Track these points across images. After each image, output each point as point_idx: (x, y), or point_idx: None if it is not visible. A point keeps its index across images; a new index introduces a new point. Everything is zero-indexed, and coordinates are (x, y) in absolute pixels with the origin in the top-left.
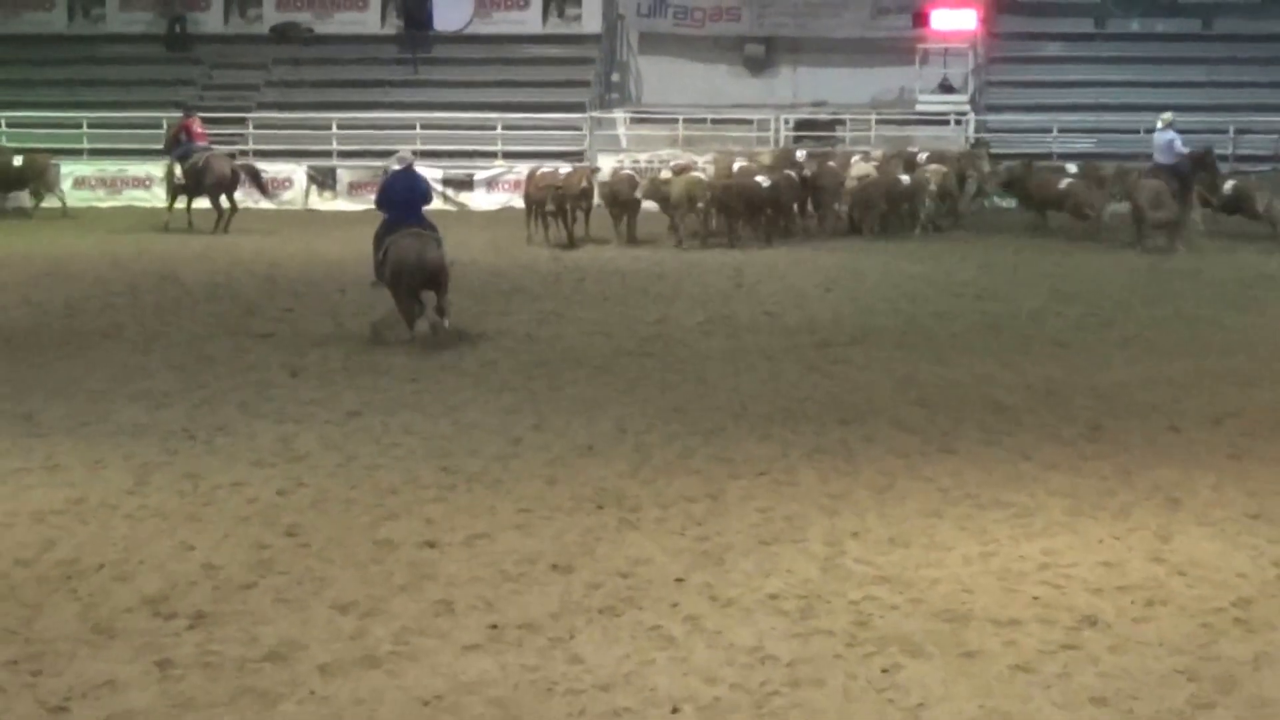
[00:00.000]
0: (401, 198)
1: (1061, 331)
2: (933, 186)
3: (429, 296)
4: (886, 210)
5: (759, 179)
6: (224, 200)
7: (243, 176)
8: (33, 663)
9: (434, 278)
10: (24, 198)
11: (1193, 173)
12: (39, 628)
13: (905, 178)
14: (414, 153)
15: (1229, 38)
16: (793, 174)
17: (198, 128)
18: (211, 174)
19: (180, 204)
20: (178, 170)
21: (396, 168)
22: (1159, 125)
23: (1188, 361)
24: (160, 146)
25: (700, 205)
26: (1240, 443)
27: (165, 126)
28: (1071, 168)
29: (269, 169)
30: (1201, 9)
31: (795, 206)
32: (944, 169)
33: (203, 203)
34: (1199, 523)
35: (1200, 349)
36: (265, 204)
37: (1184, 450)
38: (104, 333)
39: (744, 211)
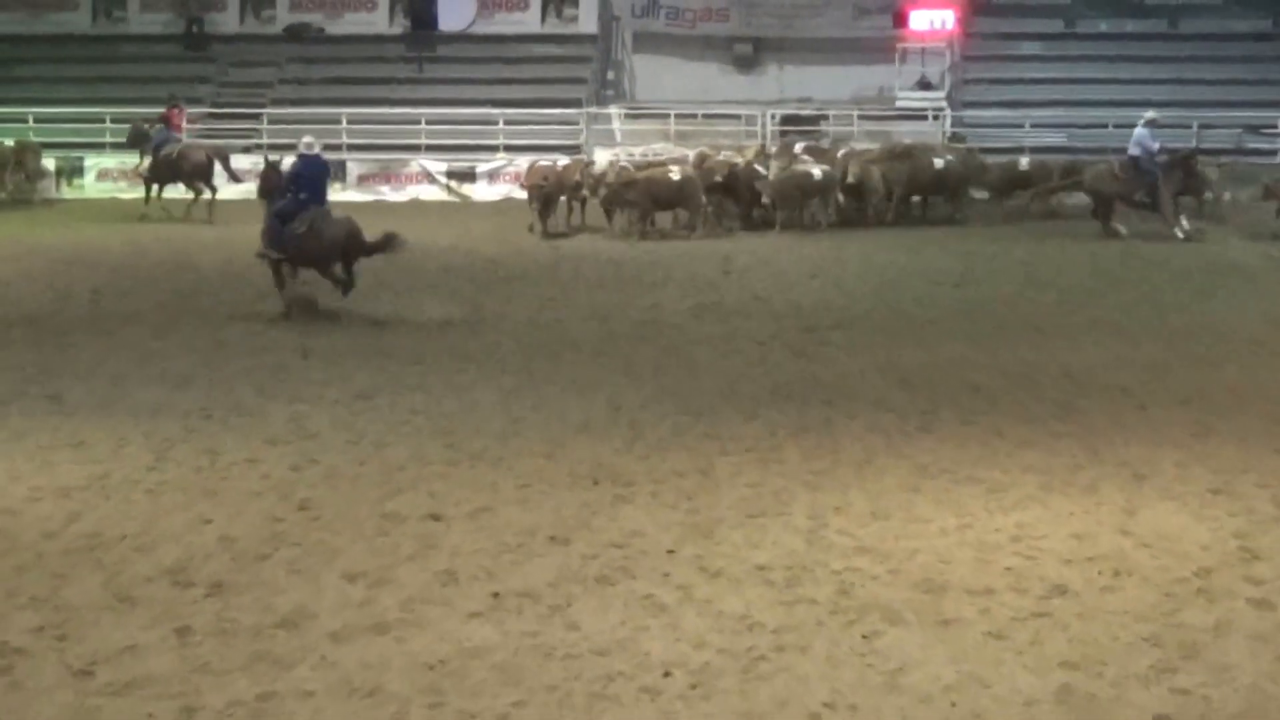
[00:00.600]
0: (312, 181)
1: (1035, 317)
2: (851, 180)
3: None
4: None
5: (671, 173)
6: (203, 188)
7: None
8: (59, 629)
9: (360, 248)
10: (51, 188)
11: (1170, 172)
12: (65, 596)
13: (818, 171)
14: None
15: (1193, 37)
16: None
17: (177, 119)
18: (189, 162)
19: (164, 196)
20: (145, 162)
21: (305, 152)
22: (1141, 122)
23: (1155, 345)
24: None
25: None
26: (1204, 422)
27: (133, 122)
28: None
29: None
30: (1167, 10)
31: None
32: (856, 164)
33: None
34: (1164, 497)
35: (1167, 333)
36: None
37: (1150, 429)
38: (125, 317)
39: (653, 205)
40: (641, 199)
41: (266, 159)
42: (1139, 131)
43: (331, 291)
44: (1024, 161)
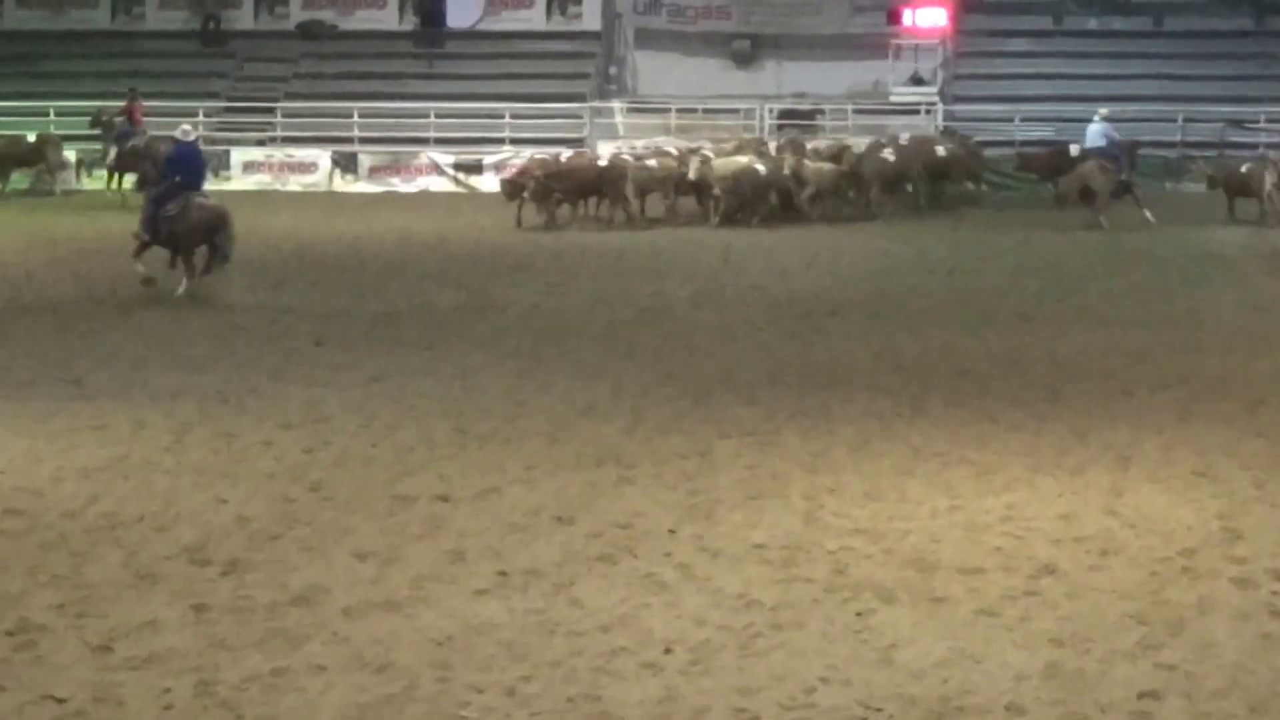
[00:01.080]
0: (190, 167)
1: (1024, 304)
2: (787, 172)
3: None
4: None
5: (597, 162)
6: None
7: None
8: (79, 606)
9: (228, 230)
10: (71, 180)
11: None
12: (85, 574)
13: (761, 166)
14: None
15: (1178, 34)
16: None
17: (137, 112)
18: (155, 155)
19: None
20: (112, 152)
21: (181, 140)
22: (1095, 118)
23: (1140, 332)
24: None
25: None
26: (1188, 406)
27: (98, 111)
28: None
29: (296, 154)
30: (1153, 8)
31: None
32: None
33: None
34: (1149, 479)
35: (1151, 321)
36: (293, 186)
37: (1135, 413)
38: (145, 304)
39: (579, 194)
40: (568, 189)
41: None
42: (1100, 127)
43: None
44: (1074, 149)
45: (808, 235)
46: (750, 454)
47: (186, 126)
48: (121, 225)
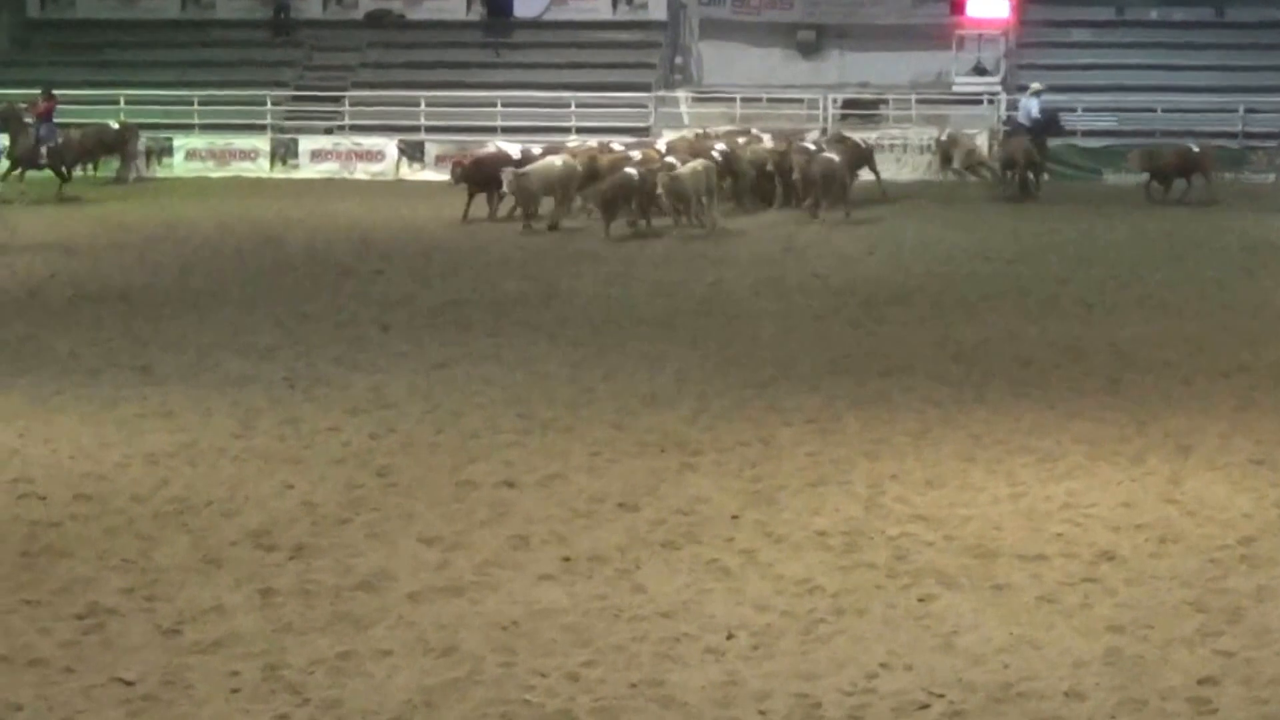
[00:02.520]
0: None
1: (1084, 293)
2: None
3: None
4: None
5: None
6: (68, 175)
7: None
8: (148, 590)
9: None
10: (141, 168)
11: (1045, 131)
12: (154, 558)
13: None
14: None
15: (1240, 25)
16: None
17: (48, 109)
18: (72, 151)
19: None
20: (18, 145)
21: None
22: (1028, 93)
23: (1199, 321)
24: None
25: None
26: (1247, 395)
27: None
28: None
29: (364, 143)
30: None
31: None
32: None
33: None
34: (1208, 467)
35: (1211, 309)
36: (360, 175)
37: (1195, 401)
38: (213, 292)
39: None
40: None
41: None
42: (1030, 103)
43: None
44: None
45: (869, 224)
46: (812, 441)
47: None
48: (192, 213)
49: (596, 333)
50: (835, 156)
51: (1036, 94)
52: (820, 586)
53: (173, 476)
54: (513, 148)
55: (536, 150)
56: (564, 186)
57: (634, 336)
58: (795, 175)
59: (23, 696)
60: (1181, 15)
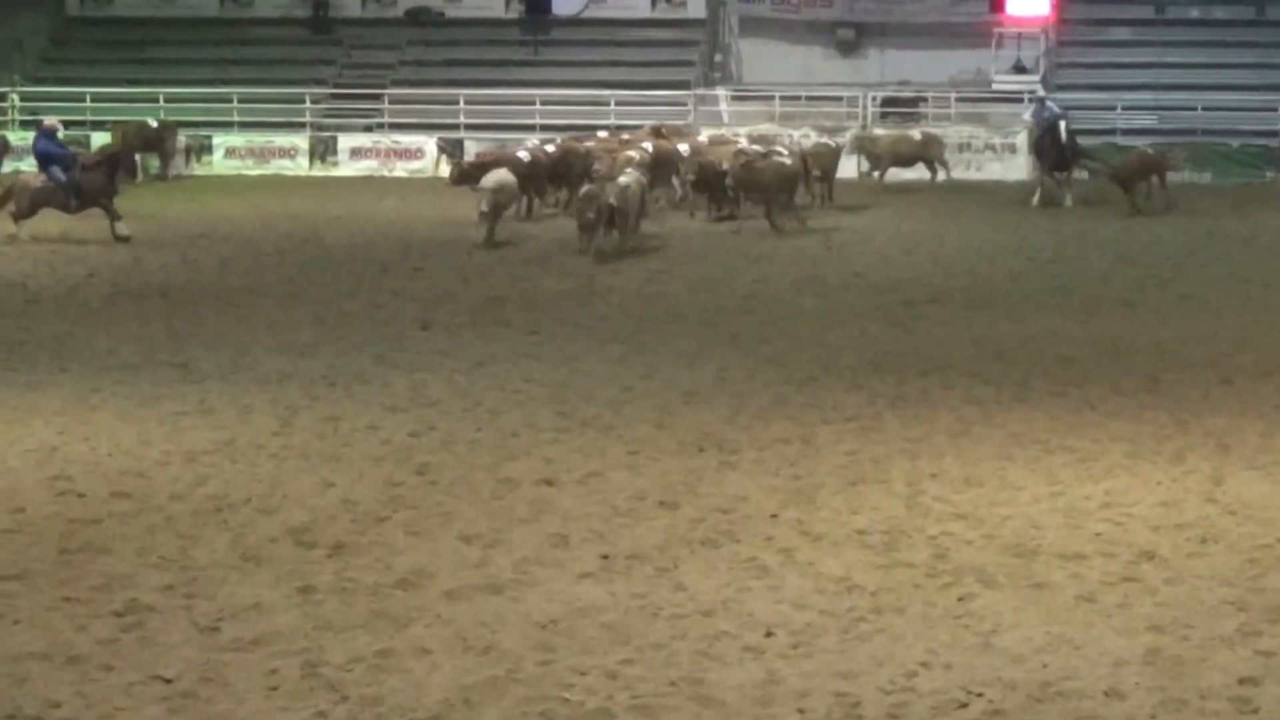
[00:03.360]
0: (60, 156)
1: (1125, 292)
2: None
3: None
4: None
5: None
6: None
7: None
8: (188, 587)
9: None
10: (181, 165)
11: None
12: (193, 555)
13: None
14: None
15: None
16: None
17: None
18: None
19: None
20: None
21: (50, 131)
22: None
23: (1239, 319)
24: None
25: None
26: None
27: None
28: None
29: (403, 141)
30: None
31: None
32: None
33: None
34: (1248, 467)
35: (1251, 308)
36: (399, 172)
37: (1235, 401)
38: (252, 289)
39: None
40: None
41: None
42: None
43: None
44: None
45: (909, 223)
46: (851, 439)
47: (53, 120)
48: (231, 210)
49: (636, 330)
50: (787, 160)
51: (1041, 100)
52: (859, 585)
53: (212, 474)
54: (522, 152)
55: (549, 148)
56: (511, 193)
57: (673, 334)
58: (729, 180)
59: (62, 694)
60: (1222, 14)
